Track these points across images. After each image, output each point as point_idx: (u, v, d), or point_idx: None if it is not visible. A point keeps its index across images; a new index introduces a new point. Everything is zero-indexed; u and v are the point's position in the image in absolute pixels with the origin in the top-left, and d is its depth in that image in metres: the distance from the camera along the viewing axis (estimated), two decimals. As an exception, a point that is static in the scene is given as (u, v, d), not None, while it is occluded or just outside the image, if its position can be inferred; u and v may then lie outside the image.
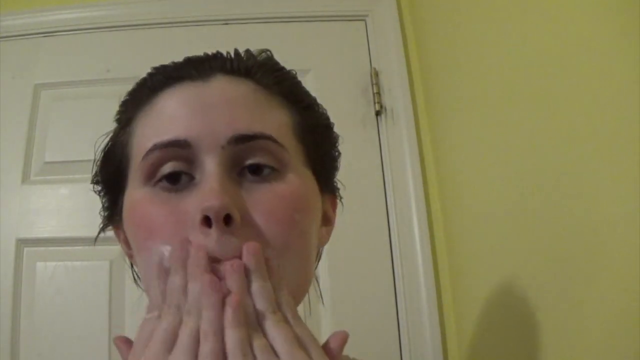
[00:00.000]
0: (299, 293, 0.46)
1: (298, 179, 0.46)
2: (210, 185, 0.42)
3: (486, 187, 0.89)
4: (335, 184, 0.56)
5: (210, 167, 0.43)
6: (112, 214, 0.52)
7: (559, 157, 0.65)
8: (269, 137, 0.45)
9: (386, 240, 1.14)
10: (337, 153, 0.56)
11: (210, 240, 0.40)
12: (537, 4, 0.71)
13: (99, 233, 0.54)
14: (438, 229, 1.14)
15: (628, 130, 0.52)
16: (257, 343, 0.36)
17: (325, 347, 0.39)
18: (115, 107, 0.54)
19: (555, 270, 0.67)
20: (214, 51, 0.51)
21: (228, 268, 0.39)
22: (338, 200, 0.57)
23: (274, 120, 0.47)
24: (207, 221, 0.40)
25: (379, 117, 1.22)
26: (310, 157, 0.50)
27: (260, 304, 0.38)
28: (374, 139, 1.20)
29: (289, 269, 0.42)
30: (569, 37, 0.62)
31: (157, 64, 0.52)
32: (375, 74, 1.24)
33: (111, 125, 0.53)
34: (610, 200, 0.56)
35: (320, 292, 0.58)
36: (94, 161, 0.53)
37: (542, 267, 0.70)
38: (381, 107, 1.21)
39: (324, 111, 0.55)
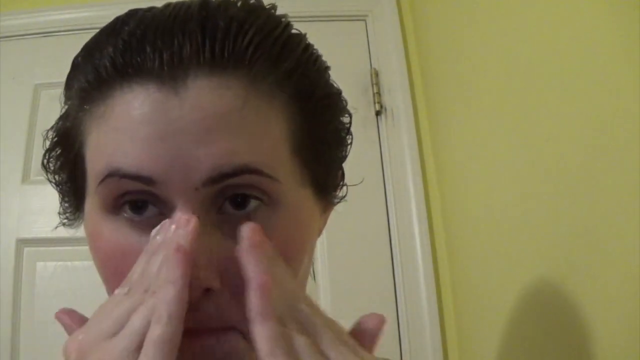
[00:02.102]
0: None
1: (291, 216, 0.38)
2: None
3: (486, 187, 0.89)
4: (339, 178, 0.47)
5: None
6: (76, 215, 0.44)
7: (559, 157, 0.65)
8: (254, 171, 0.35)
9: (386, 240, 1.14)
10: (347, 146, 0.46)
11: None
12: (537, 3, 0.71)
13: (58, 225, 0.47)
14: (438, 229, 1.14)
15: (629, 130, 0.52)
16: (302, 341, 0.30)
17: (360, 331, 0.34)
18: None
19: (556, 270, 0.67)
20: (189, 8, 0.37)
21: (245, 245, 0.32)
22: (341, 188, 0.48)
23: (267, 142, 0.36)
24: None
25: (379, 117, 1.22)
26: (311, 167, 0.40)
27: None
28: (374, 139, 1.20)
29: None
30: (569, 36, 0.62)
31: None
32: (375, 74, 1.24)
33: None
34: (611, 200, 0.55)
35: (313, 271, 0.53)
36: (43, 140, 0.44)
37: (542, 267, 0.70)
38: (381, 107, 1.21)
39: (336, 90, 0.44)
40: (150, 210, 0.36)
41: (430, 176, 1.17)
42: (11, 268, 1.14)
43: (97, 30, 0.43)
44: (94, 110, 0.38)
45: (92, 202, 0.39)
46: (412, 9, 1.29)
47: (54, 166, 0.44)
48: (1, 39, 1.28)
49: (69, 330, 0.35)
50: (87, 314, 0.38)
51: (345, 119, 0.45)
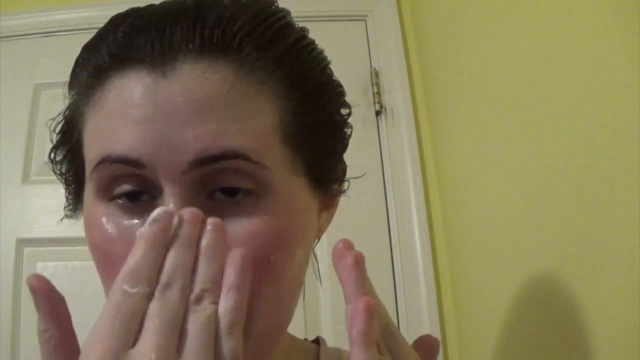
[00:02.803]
0: (278, 334, 0.40)
1: (281, 204, 0.37)
2: None
3: (486, 187, 0.89)
4: (338, 170, 0.45)
5: (169, 199, 0.35)
6: (78, 204, 0.45)
7: (559, 157, 0.65)
8: (242, 156, 0.35)
9: (386, 240, 1.14)
10: (346, 136, 0.45)
11: None
12: (537, 4, 0.71)
13: (63, 218, 0.47)
14: (438, 229, 1.14)
15: (629, 130, 0.52)
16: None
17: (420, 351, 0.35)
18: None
19: (556, 270, 0.67)
20: (187, 2, 0.38)
21: (345, 262, 0.34)
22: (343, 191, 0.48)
23: (254, 126, 0.36)
24: None
25: (379, 117, 1.22)
26: (305, 157, 0.40)
27: None
28: (374, 139, 1.20)
29: (261, 317, 0.36)
30: (569, 36, 0.62)
31: None
32: (375, 74, 1.24)
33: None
34: (611, 199, 0.55)
35: (319, 273, 0.51)
36: (49, 133, 0.46)
37: (542, 266, 0.70)
38: (381, 107, 1.21)
39: (334, 81, 0.43)
40: (144, 197, 0.37)
41: (430, 176, 1.17)
42: (11, 268, 1.14)
43: (95, 30, 0.44)
44: (92, 98, 0.39)
45: (88, 189, 0.39)
46: (412, 9, 1.29)
47: (57, 156, 0.45)
48: (1, 39, 1.28)
49: (37, 300, 0.32)
50: (87, 313, 0.37)
51: (344, 111, 0.45)
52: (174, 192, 0.35)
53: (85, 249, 0.40)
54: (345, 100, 0.45)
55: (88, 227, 0.39)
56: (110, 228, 0.37)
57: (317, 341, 0.55)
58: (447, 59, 1.08)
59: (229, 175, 0.36)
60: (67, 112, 0.43)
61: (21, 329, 1.10)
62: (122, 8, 0.42)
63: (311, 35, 0.42)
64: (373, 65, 1.25)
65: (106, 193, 0.37)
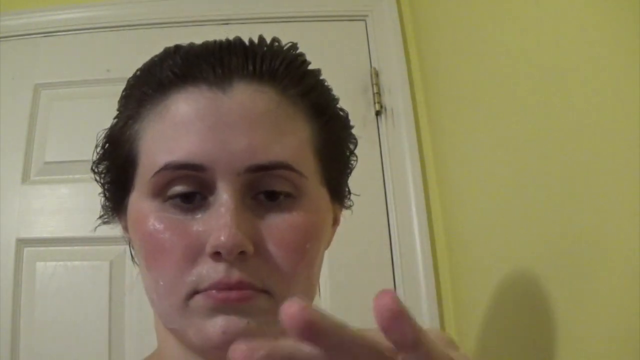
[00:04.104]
0: None
1: (313, 205, 0.45)
2: (224, 218, 0.40)
3: (486, 186, 0.89)
4: (347, 189, 0.54)
5: (224, 195, 0.41)
6: (116, 211, 0.50)
7: (560, 157, 0.65)
8: (287, 167, 0.42)
9: (386, 240, 1.14)
10: (354, 161, 0.54)
11: (219, 269, 0.40)
12: (537, 4, 0.71)
13: (99, 224, 0.52)
14: (438, 229, 1.14)
15: (629, 130, 0.52)
16: None
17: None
18: (115, 108, 0.52)
19: (556, 270, 0.67)
20: (235, 39, 0.46)
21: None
22: (348, 207, 0.55)
23: (295, 141, 0.44)
24: (218, 255, 0.40)
25: (379, 117, 1.22)
26: (327, 171, 0.48)
27: None
28: (374, 139, 1.20)
29: (294, 295, 0.39)
30: (570, 37, 0.62)
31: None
32: (375, 74, 1.24)
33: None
34: (611, 199, 0.56)
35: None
36: (95, 147, 0.50)
37: (542, 266, 0.70)
38: (381, 107, 1.21)
39: (345, 115, 0.52)
40: (197, 199, 0.42)
41: (430, 176, 1.17)
42: (11, 268, 1.13)
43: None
44: (151, 111, 0.45)
45: (139, 193, 0.45)
46: (412, 9, 1.29)
47: (102, 167, 0.50)
48: (1, 39, 1.28)
49: None
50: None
51: (353, 141, 0.53)
52: (228, 189, 0.41)
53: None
54: (353, 133, 0.53)
55: (139, 223, 0.44)
56: (164, 220, 0.42)
57: None
58: (447, 58, 1.08)
59: (274, 180, 0.43)
60: (118, 124, 0.48)
61: (21, 329, 1.10)
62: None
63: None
64: (373, 65, 1.25)
65: (161, 194, 0.43)
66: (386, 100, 1.22)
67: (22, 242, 1.16)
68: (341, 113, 0.51)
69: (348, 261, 1.12)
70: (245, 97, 0.43)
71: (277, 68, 0.45)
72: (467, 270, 1.01)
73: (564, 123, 0.64)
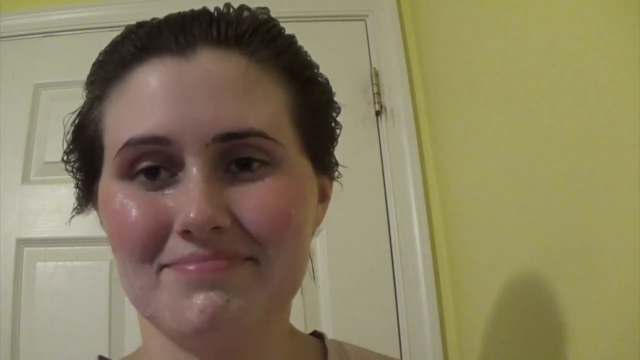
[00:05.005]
0: (293, 287, 0.43)
1: (292, 171, 0.41)
2: (192, 193, 0.37)
3: (486, 187, 0.89)
4: (333, 160, 0.50)
5: (192, 169, 0.38)
6: (88, 199, 0.47)
7: (560, 157, 0.65)
8: (260, 134, 0.39)
9: (386, 240, 1.14)
10: (337, 129, 0.50)
11: (191, 246, 0.38)
12: (537, 4, 0.71)
13: (72, 216, 0.49)
14: (438, 229, 1.14)
15: (628, 130, 0.52)
16: None
17: None
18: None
19: (556, 270, 0.67)
20: (200, 9, 0.44)
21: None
22: (335, 177, 0.52)
23: (268, 108, 0.41)
24: (188, 234, 0.37)
25: (379, 117, 1.22)
26: (307, 139, 0.44)
27: None
28: (374, 139, 1.20)
29: (282, 266, 0.40)
30: (570, 37, 0.62)
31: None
32: (375, 74, 1.24)
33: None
34: (611, 199, 0.55)
35: (313, 268, 0.53)
36: (64, 136, 0.47)
37: (542, 267, 0.70)
38: (381, 107, 1.21)
39: (325, 81, 0.48)
40: (163, 174, 0.39)
41: (430, 176, 1.17)
42: (11, 268, 1.14)
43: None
44: (114, 88, 0.42)
45: (107, 174, 0.42)
46: (412, 9, 1.29)
47: (71, 153, 0.47)
48: (1, 39, 1.28)
49: None
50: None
51: (336, 109, 0.49)
52: (196, 162, 0.38)
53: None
54: (335, 101, 0.49)
55: (107, 204, 0.41)
56: (130, 196, 0.39)
57: (315, 334, 0.56)
58: (447, 58, 1.08)
59: (246, 149, 0.39)
60: (84, 107, 0.46)
61: (21, 329, 1.10)
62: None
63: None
64: (373, 65, 1.25)
65: (127, 173, 0.40)
66: (386, 100, 1.22)
67: (22, 242, 1.16)
68: (320, 78, 0.47)
69: (348, 261, 1.12)
70: (210, 63, 0.40)
71: (244, 32, 0.42)
72: (467, 270, 1.01)
73: (565, 122, 0.64)
